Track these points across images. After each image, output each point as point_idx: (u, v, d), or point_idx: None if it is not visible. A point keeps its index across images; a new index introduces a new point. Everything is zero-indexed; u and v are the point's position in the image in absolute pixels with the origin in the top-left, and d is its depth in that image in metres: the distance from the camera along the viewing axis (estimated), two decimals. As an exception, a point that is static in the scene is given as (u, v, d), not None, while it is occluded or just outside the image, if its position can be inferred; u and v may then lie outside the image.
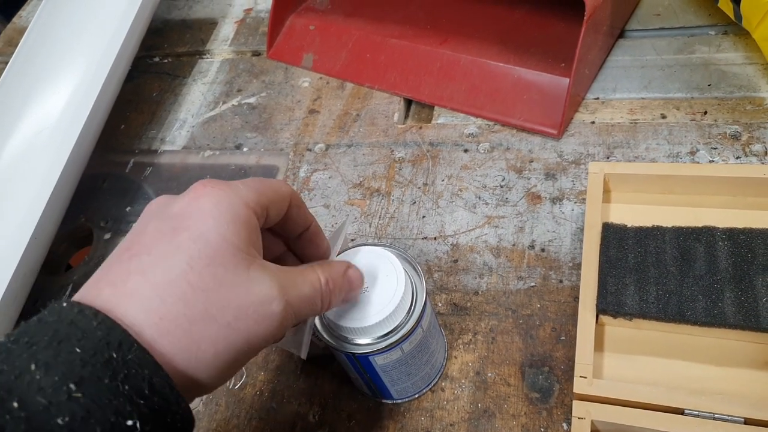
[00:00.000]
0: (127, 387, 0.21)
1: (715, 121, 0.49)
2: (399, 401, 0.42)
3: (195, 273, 0.24)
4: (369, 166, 0.57)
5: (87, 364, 0.21)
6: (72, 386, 0.20)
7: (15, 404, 0.20)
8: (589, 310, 0.37)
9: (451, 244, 0.49)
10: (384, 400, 0.42)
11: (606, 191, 0.44)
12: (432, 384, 0.42)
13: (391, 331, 0.35)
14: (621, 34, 0.58)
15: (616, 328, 0.39)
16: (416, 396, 0.42)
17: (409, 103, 0.62)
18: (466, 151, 0.55)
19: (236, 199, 0.27)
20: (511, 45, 0.57)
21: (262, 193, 0.29)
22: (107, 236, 0.61)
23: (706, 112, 0.50)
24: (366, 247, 0.38)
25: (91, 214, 0.63)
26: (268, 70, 0.70)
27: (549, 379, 0.40)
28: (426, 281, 0.37)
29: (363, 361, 0.37)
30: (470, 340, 0.44)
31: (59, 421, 0.20)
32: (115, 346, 0.22)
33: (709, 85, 0.52)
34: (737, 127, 0.48)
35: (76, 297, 0.24)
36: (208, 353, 0.24)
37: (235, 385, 0.46)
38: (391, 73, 0.62)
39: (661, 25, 0.57)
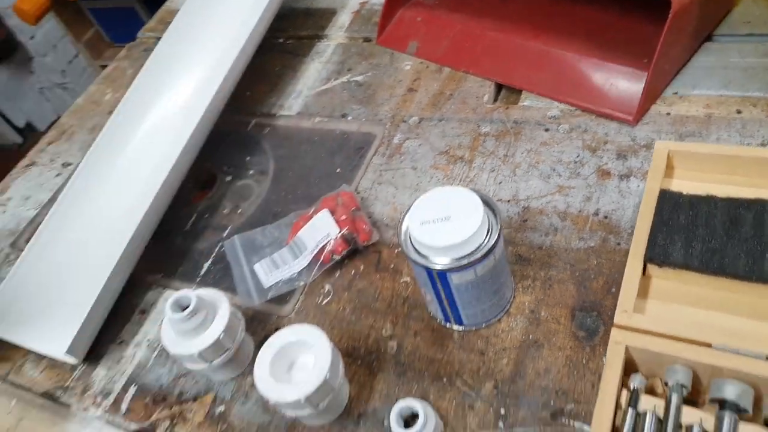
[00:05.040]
0: None
1: (789, 118, 0.53)
2: (465, 328, 0.49)
3: None
4: (456, 138, 0.64)
5: None
6: None
7: None
8: (637, 258, 0.42)
9: (522, 207, 0.55)
10: (453, 326, 0.49)
11: (669, 167, 0.48)
12: (498, 316, 0.48)
13: (469, 254, 0.42)
14: (709, 38, 0.62)
15: (662, 280, 0.43)
16: (483, 325, 0.48)
17: (499, 87, 0.69)
18: (546, 130, 0.61)
19: None
20: (598, 41, 0.62)
21: None
22: (228, 179, 0.72)
23: (780, 110, 0.53)
24: (447, 187, 0.45)
25: (215, 161, 0.74)
26: (376, 54, 0.79)
27: (596, 322, 0.46)
28: (504, 239, 0.44)
29: (441, 278, 0.43)
30: (529, 285, 0.50)
31: None
32: None
33: (787, 87, 0.55)
34: (808, 124, 0.51)
35: None
36: None
37: (323, 301, 0.55)
38: (485, 61, 0.69)
39: (750, 31, 0.61)
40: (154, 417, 0.52)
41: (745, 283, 0.39)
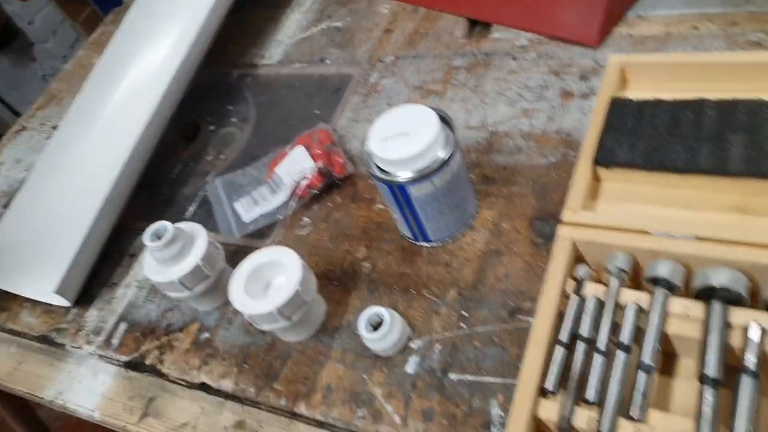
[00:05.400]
0: None
1: (743, 30, 0.54)
2: (434, 244, 0.51)
3: None
4: (430, 73, 0.66)
5: None
6: None
7: None
8: (586, 161, 0.44)
9: (490, 132, 0.57)
10: (422, 243, 0.51)
11: (624, 81, 0.50)
12: (462, 229, 0.50)
13: (425, 166, 0.44)
14: (671, -39, 0.62)
15: (611, 183, 0.45)
16: (449, 240, 0.51)
17: (473, 23, 0.70)
18: (515, 59, 0.62)
19: None
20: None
21: None
22: (211, 128, 0.74)
23: (736, 23, 0.54)
24: (409, 104, 0.47)
25: (199, 113, 0.76)
26: (355, 0, 0.81)
27: (553, 229, 0.47)
28: (463, 154, 0.46)
29: (402, 191, 0.46)
30: (493, 201, 0.52)
31: None
32: None
33: (746, 1, 0.56)
34: (762, 34, 0.52)
35: None
36: None
37: (301, 232, 0.57)
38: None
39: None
40: (143, 348, 0.56)
41: (682, 176, 0.41)
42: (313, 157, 0.59)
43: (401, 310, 0.48)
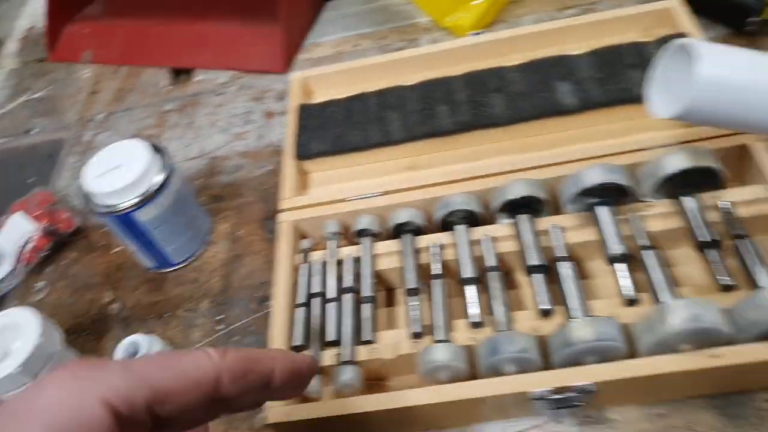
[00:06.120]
0: None
1: (391, 41, 0.68)
2: (178, 266, 0.53)
3: None
4: (143, 121, 0.69)
5: None
6: None
7: None
8: (289, 159, 0.52)
9: (210, 159, 0.62)
10: (166, 269, 0.54)
11: (309, 91, 0.60)
12: (201, 246, 0.54)
13: (144, 192, 0.47)
14: (329, -2, 0.76)
15: (316, 173, 0.53)
16: (190, 258, 0.54)
17: (176, 72, 0.75)
18: (219, 94, 0.69)
19: (90, 392, 0.20)
20: (245, 15, 0.72)
21: (148, 380, 0.20)
22: None
23: (385, 37, 0.69)
24: (116, 143, 0.50)
25: None
26: (53, 70, 0.80)
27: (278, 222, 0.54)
28: (184, 177, 0.50)
29: (129, 220, 0.48)
30: (226, 215, 0.57)
31: None
32: None
33: (387, 20, 0.71)
34: (403, 42, 0.67)
35: None
36: None
37: (38, 298, 0.55)
38: (157, 52, 0.75)
39: (357, -13, 0.76)
40: None
41: (362, 152, 0.51)
42: (35, 219, 0.57)
43: (160, 333, 0.50)
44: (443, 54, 0.57)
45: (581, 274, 0.43)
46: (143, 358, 0.22)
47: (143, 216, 0.48)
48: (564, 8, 0.65)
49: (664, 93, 0.35)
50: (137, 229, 0.49)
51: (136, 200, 0.47)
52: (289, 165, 0.52)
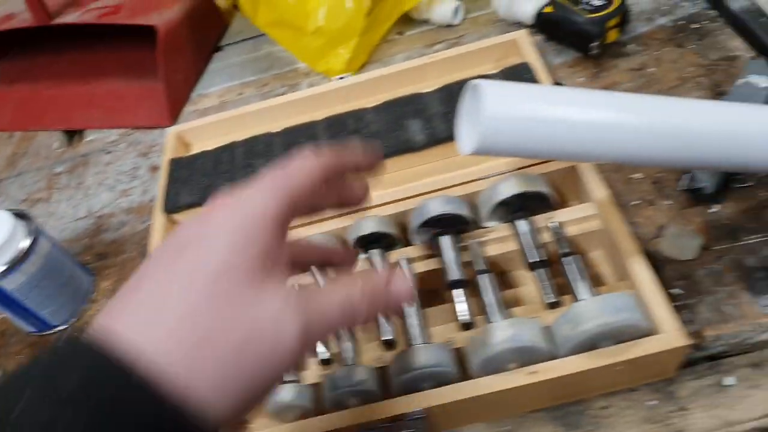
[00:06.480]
0: (125, 420, 0.20)
1: (272, 88, 0.70)
2: (59, 327, 0.54)
3: (199, 295, 0.23)
4: (34, 185, 0.69)
5: (82, 402, 0.20)
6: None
7: None
8: (158, 213, 0.53)
9: (96, 218, 0.63)
10: (47, 332, 0.54)
11: (186, 144, 0.61)
12: (82, 305, 0.55)
13: (11, 259, 0.48)
14: (218, 49, 0.78)
15: (191, 223, 0.55)
16: (71, 319, 0.54)
17: (69, 134, 0.76)
18: (109, 153, 0.70)
19: (250, 210, 0.25)
20: (129, 74, 0.74)
21: (283, 188, 0.27)
22: None
23: (267, 84, 0.71)
24: (-14, 212, 0.51)
25: None
26: (-53, 141, 0.80)
27: (161, 277, 0.55)
28: (64, 239, 0.51)
29: (-6, 292, 0.48)
30: (109, 272, 0.58)
31: None
32: (113, 382, 0.20)
33: (269, 68, 0.73)
34: (285, 88, 0.70)
35: (87, 332, 0.22)
36: (215, 378, 0.22)
37: None
38: (48, 116, 0.76)
39: (243, 37, 0.79)
40: None
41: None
42: None
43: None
44: (310, 99, 0.60)
45: (428, 302, 0.45)
46: (270, 177, 0.28)
47: (10, 284, 0.49)
48: (433, 44, 0.69)
49: (467, 130, 0.38)
50: (6, 297, 0.49)
51: (1, 269, 0.48)
52: (158, 220, 0.53)
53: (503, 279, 0.46)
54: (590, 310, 0.37)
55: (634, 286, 0.39)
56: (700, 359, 0.41)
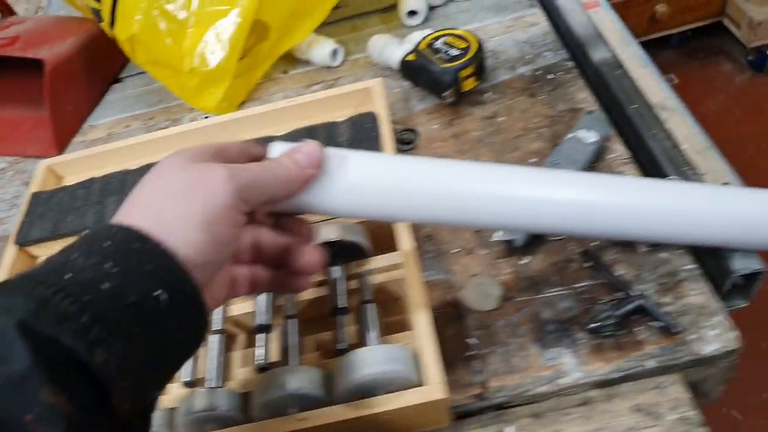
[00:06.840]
0: (149, 267, 0.28)
1: (157, 121, 0.73)
2: None
3: (167, 189, 0.31)
4: None
5: (117, 252, 0.28)
6: (108, 265, 0.27)
7: (67, 276, 0.26)
8: (11, 245, 0.55)
9: (-30, 245, 0.65)
10: None
11: (59, 177, 0.63)
12: None
13: None
14: (117, 80, 0.81)
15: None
16: None
17: (-35, 158, 0.78)
18: (-9, 181, 0.72)
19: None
20: (17, 102, 0.76)
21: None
22: None
23: (153, 117, 0.73)
24: None
25: None
26: None
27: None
28: None
29: None
30: None
31: (103, 287, 0.26)
32: (136, 241, 0.28)
33: (159, 101, 0.75)
34: (168, 122, 0.72)
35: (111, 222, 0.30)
36: (184, 227, 0.29)
37: None
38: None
39: (141, 70, 0.81)
40: None
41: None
42: None
43: None
44: (177, 137, 0.62)
45: (246, 344, 0.47)
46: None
47: None
48: (311, 84, 0.71)
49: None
50: None
51: None
52: (9, 252, 0.55)
53: (314, 323, 0.48)
54: (363, 359, 0.39)
55: (414, 337, 0.41)
56: (486, 408, 0.43)
